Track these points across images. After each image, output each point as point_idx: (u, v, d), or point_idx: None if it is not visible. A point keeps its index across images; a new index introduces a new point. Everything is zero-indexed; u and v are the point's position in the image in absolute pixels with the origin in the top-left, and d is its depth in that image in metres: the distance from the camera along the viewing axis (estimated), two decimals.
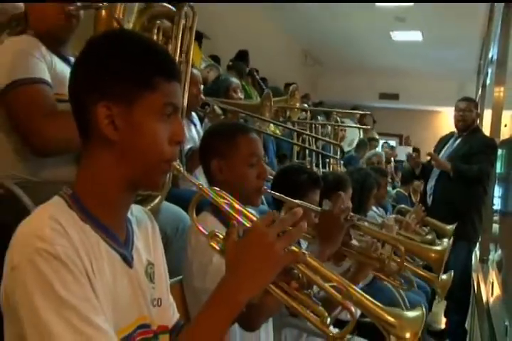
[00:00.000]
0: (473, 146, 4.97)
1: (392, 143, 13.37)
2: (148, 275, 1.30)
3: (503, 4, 4.86)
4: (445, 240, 3.54)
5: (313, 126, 5.24)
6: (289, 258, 1.12)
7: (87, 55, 1.23)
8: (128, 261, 1.23)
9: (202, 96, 3.73)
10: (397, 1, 7.52)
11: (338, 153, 5.33)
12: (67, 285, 1.03)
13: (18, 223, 1.13)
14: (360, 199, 3.55)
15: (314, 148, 5.08)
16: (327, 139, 5.35)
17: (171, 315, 1.38)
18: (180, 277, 1.91)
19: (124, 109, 1.16)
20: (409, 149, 11.69)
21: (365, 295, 1.20)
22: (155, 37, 2.67)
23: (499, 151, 4.86)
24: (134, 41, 1.25)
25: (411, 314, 1.21)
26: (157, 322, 1.28)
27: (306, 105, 5.42)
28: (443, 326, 5.24)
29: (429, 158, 5.23)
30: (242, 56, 8.26)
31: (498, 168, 4.98)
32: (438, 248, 2.19)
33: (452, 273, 2.24)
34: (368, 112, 6.47)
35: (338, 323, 1.60)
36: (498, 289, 3.58)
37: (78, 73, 1.22)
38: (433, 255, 2.16)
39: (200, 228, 1.27)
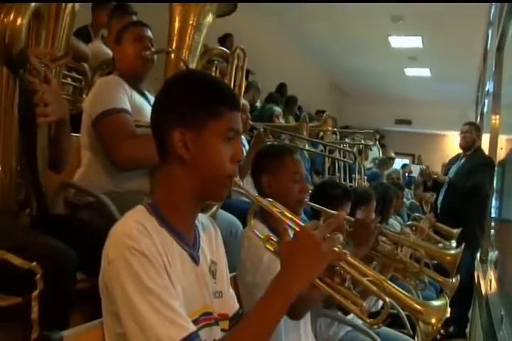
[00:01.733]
0: (474, 164, 4.89)
1: (406, 161, 13.21)
2: (211, 272, 1.29)
3: (495, 47, 4.84)
4: (452, 241, 3.50)
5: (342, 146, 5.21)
6: (332, 256, 1.12)
7: (165, 91, 1.25)
8: (195, 259, 1.23)
9: (250, 121, 3.73)
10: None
11: (363, 170, 5.29)
12: (150, 276, 1.05)
13: (107, 226, 1.15)
14: (383, 209, 3.50)
15: (342, 164, 5.05)
16: (344, 147, 5.28)
17: (231, 304, 1.37)
18: (234, 273, 1.90)
19: (195, 133, 1.17)
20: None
21: (396, 287, 1.19)
22: (213, 74, 2.69)
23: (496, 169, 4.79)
24: (202, 79, 1.27)
25: (435, 303, 1.21)
26: (218, 310, 1.27)
27: (335, 129, 5.39)
28: (448, 315, 5.13)
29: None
30: (282, 87, 8.31)
31: (495, 183, 4.91)
32: (452, 252, 2.16)
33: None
34: (371, 131, 6.48)
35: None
36: (495, 284, 3.53)
37: (159, 106, 1.24)
38: (448, 258, 2.13)
39: (257, 233, 1.25)
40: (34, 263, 1.41)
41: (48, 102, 1.59)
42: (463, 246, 2.29)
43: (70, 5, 1.82)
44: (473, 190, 4.72)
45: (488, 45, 7.49)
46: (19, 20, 1.52)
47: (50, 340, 1.12)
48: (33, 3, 1.57)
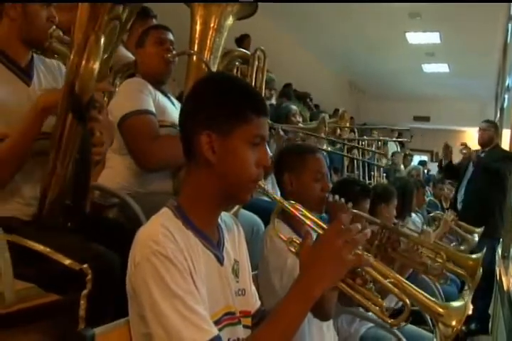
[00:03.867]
0: (494, 159, 4.93)
1: (424, 157, 13.09)
2: (234, 271, 1.30)
3: None
4: (475, 235, 3.47)
5: (360, 144, 5.22)
6: (354, 261, 1.11)
7: (194, 94, 1.26)
8: (220, 260, 1.25)
9: (269, 121, 3.73)
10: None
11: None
12: (175, 280, 1.07)
13: (130, 225, 1.18)
14: (404, 202, 3.46)
15: (361, 162, 5.05)
16: (373, 149, 5.31)
17: (253, 302, 1.38)
18: (255, 272, 1.90)
19: (222, 137, 1.18)
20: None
21: (416, 288, 1.17)
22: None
23: None
24: (232, 85, 1.27)
25: (455, 304, 1.18)
26: (240, 308, 1.29)
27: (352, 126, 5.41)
28: (470, 312, 5.10)
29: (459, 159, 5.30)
30: (287, 86, 8.31)
31: None
32: (474, 256, 2.12)
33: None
34: (407, 128, 6.42)
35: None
36: None
37: (187, 108, 1.25)
38: (470, 262, 2.09)
39: (282, 236, 1.26)
40: (85, 265, 1.48)
41: (103, 142, 1.61)
42: (484, 249, 2.27)
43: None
44: (495, 174, 4.78)
45: (508, 40, 7.40)
46: (90, 68, 1.48)
47: (84, 337, 1.16)
48: (102, 48, 1.53)
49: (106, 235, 1.74)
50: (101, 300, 1.51)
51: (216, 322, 1.18)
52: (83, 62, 1.49)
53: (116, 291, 1.55)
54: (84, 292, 1.46)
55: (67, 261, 1.50)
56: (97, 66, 1.50)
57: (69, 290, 1.50)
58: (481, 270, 2.08)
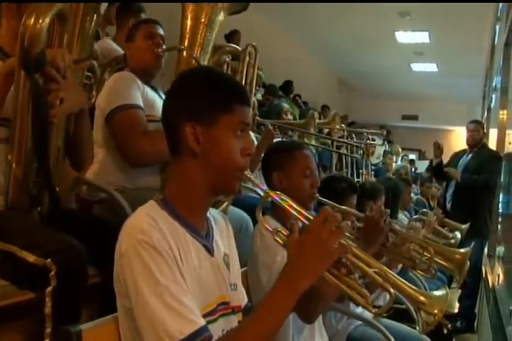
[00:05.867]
0: (483, 159, 4.98)
1: (412, 156, 13.14)
2: (225, 263, 1.31)
3: (503, 41, 4.86)
4: (457, 233, 3.50)
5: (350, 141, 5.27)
6: (339, 251, 1.10)
7: (178, 86, 1.26)
8: (210, 250, 1.25)
9: (257, 117, 3.74)
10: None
11: (370, 165, 5.31)
12: (161, 269, 1.07)
13: (118, 221, 1.17)
14: (392, 203, 3.47)
15: (350, 160, 5.07)
16: (347, 141, 5.31)
17: (242, 297, 1.38)
18: (244, 268, 1.90)
19: (206, 127, 1.19)
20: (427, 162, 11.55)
21: (399, 278, 1.19)
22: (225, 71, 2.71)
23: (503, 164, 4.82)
24: (213, 75, 1.29)
25: (437, 293, 1.20)
26: (233, 303, 1.29)
27: (343, 125, 5.42)
28: (456, 310, 5.14)
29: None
30: (288, 84, 8.33)
31: (502, 177, 4.93)
32: (462, 250, 2.13)
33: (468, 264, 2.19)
34: (379, 131, 6.47)
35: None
36: (503, 279, 3.53)
37: (171, 100, 1.26)
38: (457, 256, 2.10)
39: (266, 225, 1.24)
40: (49, 260, 1.44)
41: (60, 97, 1.59)
42: (472, 245, 2.29)
43: (94, 5, 1.80)
44: (485, 185, 4.82)
45: (496, 41, 7.47)
46: (39, 23, 1.50)
47: (70, 334, 1.15)
48: (55, 6, 1.55)
49: (78, 226, 1.72)
50: (68, 296, 1.47)
51: (211, 313, 1.19)
52: (32, 20, 1.50)
53: (85, 285, 1.53)
54: (49, 289, 1.42)
55: (31, 258, 1.47)
56: (44, 25, 1.51)
57: (37, 287, 1.46)
58: (468, 264, 2.09)
